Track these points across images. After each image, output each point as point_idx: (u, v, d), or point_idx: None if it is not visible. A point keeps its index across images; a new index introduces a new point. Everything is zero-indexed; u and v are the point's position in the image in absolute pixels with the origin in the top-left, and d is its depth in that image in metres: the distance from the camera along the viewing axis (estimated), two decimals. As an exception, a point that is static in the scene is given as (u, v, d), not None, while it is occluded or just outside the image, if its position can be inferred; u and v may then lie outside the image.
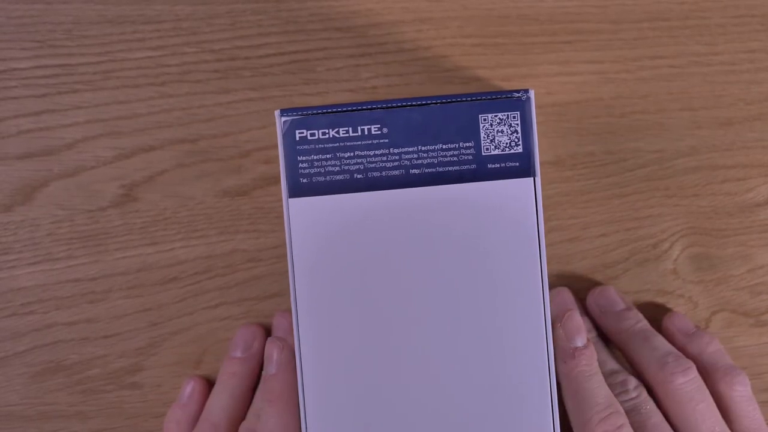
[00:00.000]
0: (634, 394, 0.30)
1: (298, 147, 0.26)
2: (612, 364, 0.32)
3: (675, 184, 0.36)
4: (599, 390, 0.28)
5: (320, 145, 0.25)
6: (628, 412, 0.30)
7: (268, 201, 0.36)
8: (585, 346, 0.28)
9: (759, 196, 0.37)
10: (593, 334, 0.35)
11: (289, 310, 0.35)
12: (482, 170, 0.25)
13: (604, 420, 0.27)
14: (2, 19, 0.35)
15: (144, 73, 0.36)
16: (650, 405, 0.30)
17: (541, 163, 0.36)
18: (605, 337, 0.35)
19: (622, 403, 0.29)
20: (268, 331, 0.36)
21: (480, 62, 0.36)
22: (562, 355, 0.28)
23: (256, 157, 0.36)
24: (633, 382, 0.31)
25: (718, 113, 0.37)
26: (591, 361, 0.28)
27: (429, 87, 0.36)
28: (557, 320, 0.29)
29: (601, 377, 0.28)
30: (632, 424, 0.29)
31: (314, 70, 0.36)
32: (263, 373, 0.29)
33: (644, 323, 0.34)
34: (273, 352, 0.28)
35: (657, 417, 0.30)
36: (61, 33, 0.35)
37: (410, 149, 0.25)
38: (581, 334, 0.28)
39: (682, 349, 0.33)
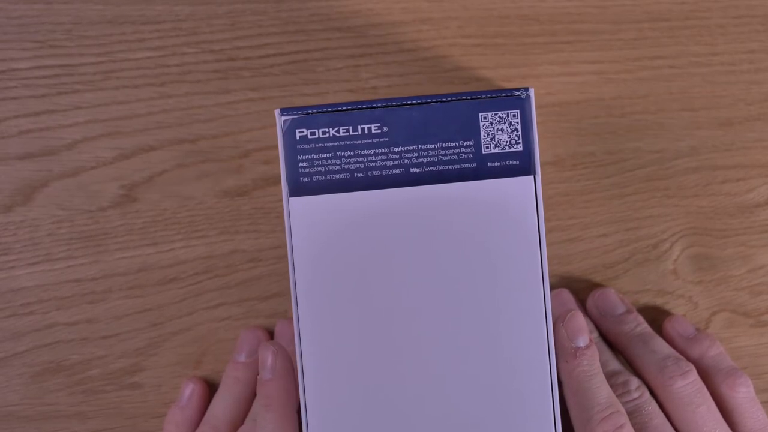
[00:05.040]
0: (636, 395, 0.30)
1: (298, 146, 0.26)
2: (614, 365, 0.32)
3: (675, 184, 0.36)
4: (600, 389, 0.28)
5: (320, 144, 0.26)
6: (630, 413, 0.29)
7: (268, 201, 0.36)
8: (587, 346, 0.28)
9: (759, 196, 0.37)
10: (595, 334, 0.35)
11: (290, 318, 0.35)
12: (482, 169, 0.25)
13: (605, 419, 0.27)
14: (2, 19, 0.35)
15: (144, 73, 0.36)
16: (652, 406, 0.30)
17: (541, 164, 0.36)
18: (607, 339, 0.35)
19: (624, 404, 0.29)
20: (271, 334, 0.36)
21: (480, 62, 0.36)
22: (564, 354, 0.28)
23: (256, 157, 0.36)
24: (635, 382, 0.31)
25: (718, 113, 0.37)
26: (593, 360, 0.28)
27: (429, 87, 0.36)
28: (559, 320, 0.29)
29: (602, 377, 0.28)
30: (634, 425, 0.29)
31: (314, 70, 0.36)
32: (258, 378, 0.29)
33: (644, 326, 0.34)
34: (267, 358, 0.28)
35: (659, 418, 0.30)
36: (61, 33, 0.35)
37: (410, 148, 0.25)
38: (583, 333, 0.28)
39: (683, 353, 0.33)
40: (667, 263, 0.36)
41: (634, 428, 0.28)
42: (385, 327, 0.26)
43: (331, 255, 0.26)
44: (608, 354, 0.33)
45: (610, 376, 0.31)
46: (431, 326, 0.26)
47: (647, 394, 0.31)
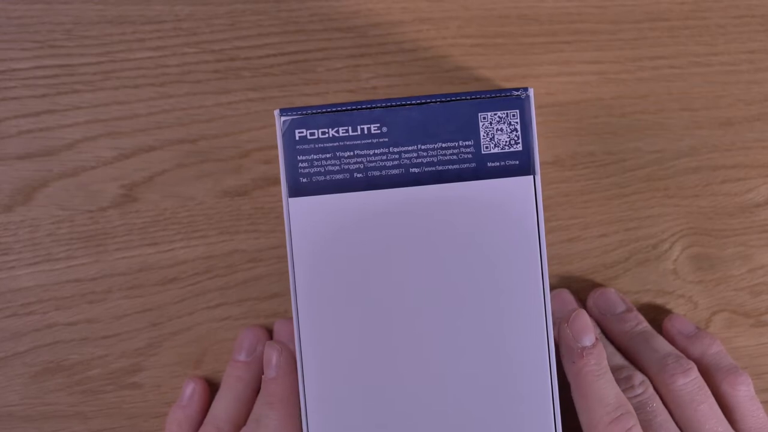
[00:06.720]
0: (639, 391, 0.30)
1: (297, 146, 0.26)
2: (618, 359, 0.32)
3: (675, 184, 0.36)
4: (609, 390, 0.27)
5: (320, 145, 0.26)
6: (634, 409, 0.29)
7: (268, 201, 0.36)
8: (593, 345, 0.28)
9: (759, 196, 0.37)
10: (598, 331, 0.34)
11: (290, 317, 0.35)
12: (482, 169, 0.25)
13: (614, 421, 0.27)
14: (2, 19, 0.35)
15: (144, 74, 0.36)
16: (656, 402, 0.30)
17: (541, 164, 0.36)
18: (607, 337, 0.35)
19: (627, 399, 0.29)
20: (270, 334, 0.36)
21: (480, 62, 0.36)
22: (570, 354, 0.28)
23: (256, 157, 0.36)
24: (638, 377, 0.31)
25: (718, 113, 0.37)
26: (600, 360, 0.28)
27: (429, 87, 0.36)
28: (564, 320, 0.28)
29: (610, 376, 0.28)
30: (639, 422, 0.28)
31: (314, 70, 0.36)
32: (263, 377, 0.29)
33: (645, 325, 0.34)
34: (272, 356, 0.28)
35: (663, 415, 0.30)
36: (61, 33, 0.35)
37: (410, 148, 0.25)
38: (589, 333, 0.28)
39: (683, 351, 0.33)
40: (667, 263, 0.36)
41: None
42: (385, 327, 0.26)
43: (331, 255, 0.26)
44: (611, 348, 0.33)
45: (613, 371, 0.31)
46: (431, 326, 0.26)
47: (651, 390, 0.30)
